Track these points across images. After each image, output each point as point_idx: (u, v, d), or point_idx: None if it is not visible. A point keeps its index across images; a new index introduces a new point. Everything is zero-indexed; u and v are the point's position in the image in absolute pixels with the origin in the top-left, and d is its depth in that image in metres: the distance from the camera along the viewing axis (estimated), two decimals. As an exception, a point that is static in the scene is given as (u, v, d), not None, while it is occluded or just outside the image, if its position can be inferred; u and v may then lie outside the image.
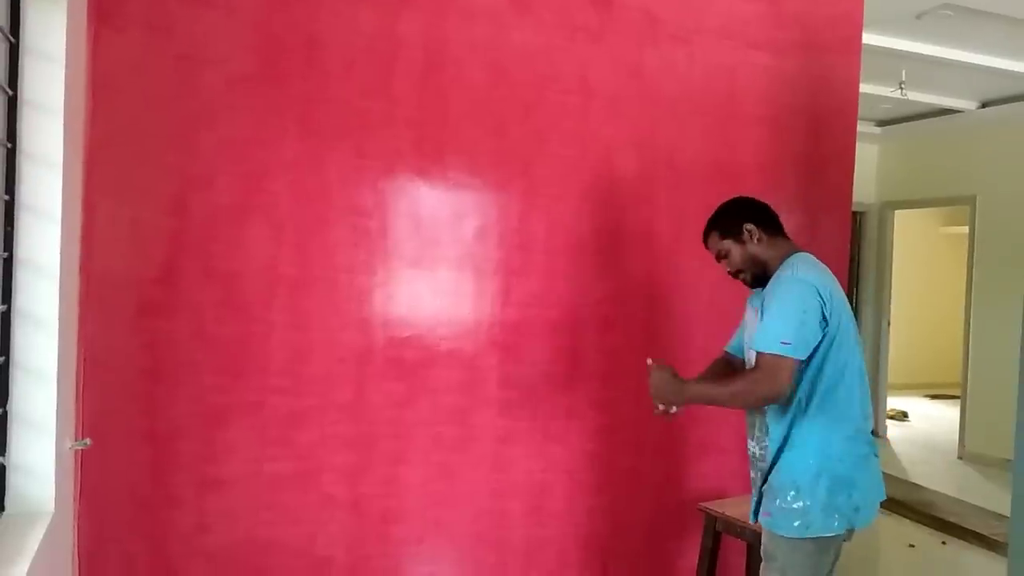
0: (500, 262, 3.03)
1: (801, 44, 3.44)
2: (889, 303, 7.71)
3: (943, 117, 6.43)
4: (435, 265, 2.95)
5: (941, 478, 5.95)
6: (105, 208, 2.52)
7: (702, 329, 3.27)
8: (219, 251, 2.67)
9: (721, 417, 2.93)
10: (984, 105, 6.09)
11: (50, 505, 1.90)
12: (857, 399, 2.27)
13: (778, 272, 2.31)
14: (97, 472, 2.52)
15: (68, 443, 2.12)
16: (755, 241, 2.38)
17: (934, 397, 9.50)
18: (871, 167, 7.59)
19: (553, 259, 3.10)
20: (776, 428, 2.28)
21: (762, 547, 2.34)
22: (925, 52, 4.65)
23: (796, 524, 2.21)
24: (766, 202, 2.47)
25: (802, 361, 2.18)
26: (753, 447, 2.41)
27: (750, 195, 2.49)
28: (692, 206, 3.29)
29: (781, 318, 2.19)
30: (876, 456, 2.35)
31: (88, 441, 2.26)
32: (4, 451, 1.82)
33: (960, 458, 6.72)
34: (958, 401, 7.01)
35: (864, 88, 3.76)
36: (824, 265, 2.36)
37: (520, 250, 3.06)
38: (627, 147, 3.19)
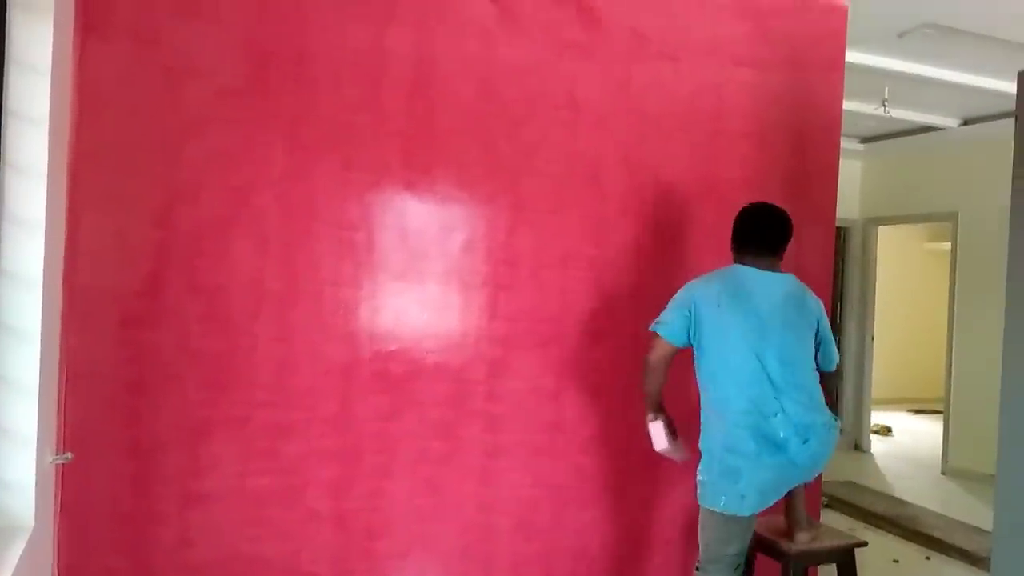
0: (487, 275, 3.03)
1: (786, 62, 3.47)
2: (873, 318, 7.76)
3: (925, 134, 6.50)
4: (422, 278, 2.95)
5: (925, 493, 5.98)
6: (89, 219, 2.51)
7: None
8: (204, 264, 2.65)
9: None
10: (966, 123, 6.16)
11: (30, 519, 1.88)
12: (742, 400, 2.61)
13: None
14: (78, 486, 2.49)
15: (49, 457, 2.10)
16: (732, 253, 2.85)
17: (918, 412, 9.55)
18: (855, 183, 7.65)
19: (540, 273, 3.10)
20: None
21: None
22: (907, 70, 4.70)
23: (699, 492, 2.69)
24: (756, 216, 2.82)
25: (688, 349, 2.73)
26: None
27: (750, 206, 2.86)
28: (679, 220, 3.31)
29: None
30: (781, 456, 2.60)
31: (69, 455, 2.24)
32: (-16, 465, 1.79)
33: (944, 473, 6.76)
34: (942, 416, 7.06)
35: (847, 105, 3.79)
36: (742, 278, 2.72)
37: (507, 264, 3.06)
38: (615, 162, 3.20)
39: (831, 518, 4.94)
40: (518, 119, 3.05)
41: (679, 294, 2.74)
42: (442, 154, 2.95)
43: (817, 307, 2.83)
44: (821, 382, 2.80)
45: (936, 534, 4.84)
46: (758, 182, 3.43)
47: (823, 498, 4.75)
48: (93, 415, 2.52)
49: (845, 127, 3.75)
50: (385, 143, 2.87)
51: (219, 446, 2.68)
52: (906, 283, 9.80)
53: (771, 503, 2.68)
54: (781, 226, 2.79)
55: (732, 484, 2.60)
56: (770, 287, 2.72)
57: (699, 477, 2.70)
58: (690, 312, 2.67)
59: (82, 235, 2.49)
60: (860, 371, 7.71)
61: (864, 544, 3.06)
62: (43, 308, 1.93)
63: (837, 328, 7.75)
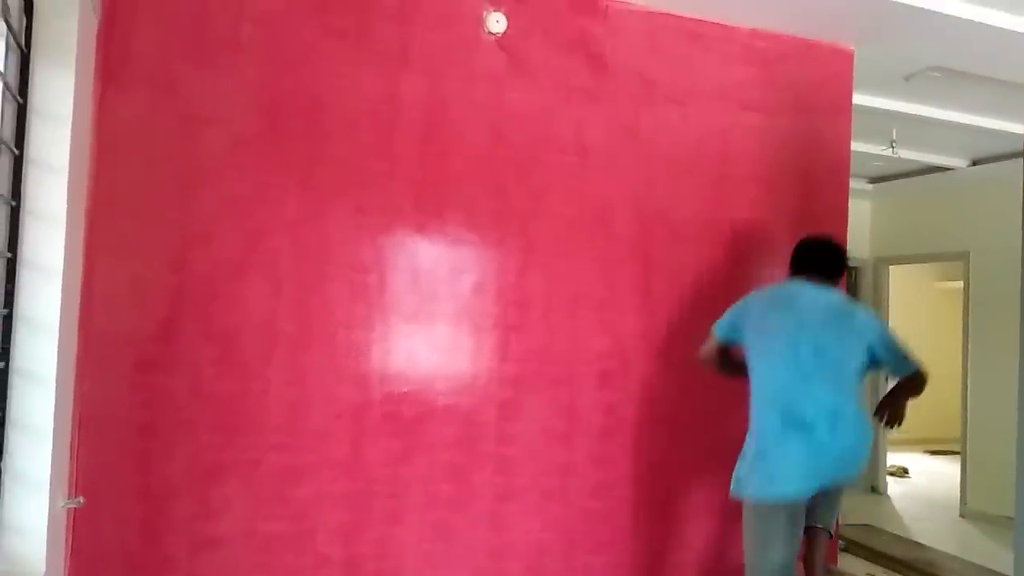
0: (498, 317, 3.04)
1: (793, 105, 3.51)
2: (886, 358, 7.68)
3: (934, 175, 6.51)
4: (433, 320, 2.96)
5: (943, 536, 5.86)
6: (105, 264, 2.54)
7: (700, 384, 3.26)
8: (218, 308, 2.68)
9: (725, 478, 2.89)
10: (974, 163, 6.17)
11: (41, 564, 1.87)
12: (773, 383, 2.75)
13: None
14: (89, 530, 2.49)
15: (61, 501, 2.10)
16: None
17: (934, 453, 9.42)
18: (865, 223, 7.65)
19: (550, 315, 3.11)
20: None
21: None
22: (915, 112, 4.73)
23: (733, 486, 2.75)
24: (813, 247, 2.97)
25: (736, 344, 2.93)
26: None
27: (813, 238, 3.03)
28: (687, 262, 3.32)
29: None
30: (809, 436, 2.64)
31: (81, 499, 2.24)
32: (-3, 510, 1.80)
33: (962, 515, 6.64)
34: (959, 457, 6.95)
35: (856, 146, 3.82)
36: (793, 285, 2.93)
37: (518, 305, 3.07)
38: (623, 205, 3.23)
39: (848, 562, 4.85)
40: (528, 163, 3.09)
41: (738, 300, 2.98)
42: (453, 197, 2.98)
43: (872, 323, 2.85)
44: (908, 384, 2.88)
45: (955, 579, 4.75)
46: (768, 223, 3.44)
47: (840, 541, 4.68)
48: (105, 459, 2.53)
49: (854, 168, 3.77)
50: (397, 187, 2.90)
51: (230, 490, 2.67)
52: (918, 322, 9.71)
53: (805, 493, 2.65)
54: (837, 258, 2.96)
55: (761, 465, 2.67)
56: (817, 295, 2.86)
57: (735, 470, 2.76)
58: (739, 313, 2.92)
59: (98, 280, 2.52)
60: (875, 411, 7.61)
61: None
62: (59, 353, 1.94)
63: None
